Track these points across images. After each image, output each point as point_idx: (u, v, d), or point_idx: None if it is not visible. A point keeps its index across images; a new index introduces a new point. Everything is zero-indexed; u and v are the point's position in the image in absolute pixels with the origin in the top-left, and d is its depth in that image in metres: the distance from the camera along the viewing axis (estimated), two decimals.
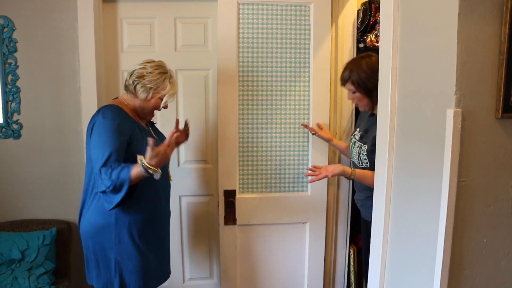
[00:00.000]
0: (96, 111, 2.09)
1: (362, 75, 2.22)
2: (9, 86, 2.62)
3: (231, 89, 2.59)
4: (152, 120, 2.34)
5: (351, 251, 2.86)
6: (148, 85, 2.07)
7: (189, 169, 2.86)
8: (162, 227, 2.30)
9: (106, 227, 2.08)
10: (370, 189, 1.89)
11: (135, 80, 2.08)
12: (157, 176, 1.90)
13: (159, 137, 2.28)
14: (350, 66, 2.29)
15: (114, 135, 1.96)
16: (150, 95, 2.10)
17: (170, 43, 2.74)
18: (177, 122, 2.35)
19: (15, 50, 2.60)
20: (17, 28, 2.59)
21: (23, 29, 2.59)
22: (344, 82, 2.33)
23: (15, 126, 2.66)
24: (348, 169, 2.31)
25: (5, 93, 2.62)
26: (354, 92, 2.29)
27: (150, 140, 1.85)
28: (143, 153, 1.89)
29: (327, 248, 2.85)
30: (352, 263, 2.85)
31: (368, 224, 2.04)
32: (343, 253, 2.88)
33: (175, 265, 2.91)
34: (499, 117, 1.34)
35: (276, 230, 2.77)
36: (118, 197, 1.93)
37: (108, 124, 1.98)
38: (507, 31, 1.30)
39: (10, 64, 2.60)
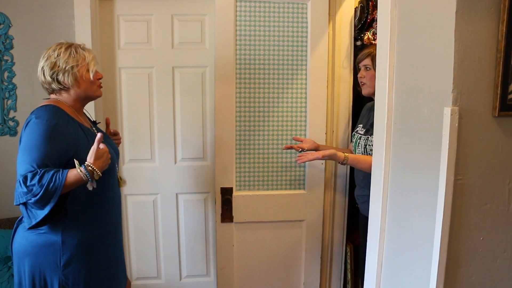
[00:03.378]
0: (31, 112, 1.79)
1: None
2: (5, 83, 2.61)
3: (228, 87, 2.59)
4: (95, 120, 2.13)
5: (348, 249, 2.86)
6: (67, 67, 1.80)
7: (185, 166, 2.85)
8: (115, 242, 2.03)
9: (49, 247, 1.76)
10: None
11: (52, 74, 1.81)
12: (93, 184, 1.65)
13: (105, 138, 2.00)
14: (374, 46, 2.33)
15: (46, 139, 1.66)
16: (77, 74, 1.82)
17: (167, 40, 2.73)
18: (108, 121, 2.16)
19: (11, 47, 2.59)
20: (13, 25, 2.57)
21: (20, 26, 2.58)
22: (362, 59, 2.36)
23: (11, 123, 2.65)
24: (341, 154, 2.26)
25: (1, 90, 2.61)
26: (368, 69, 2.32)
27: (99, 134, 1.64)
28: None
29: (323, 245, 2.85)
30: (348, 260, 2.86)
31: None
32: (339, 251, 2.89)
33: (172, 263, 2.92)
34: (496, 115, 1.34)
35: (273, 228, 2.77)
36: (45, 209, 1.57)
37: (42, 124, 1.68)
38: (504, 29, 1.30)
39: (7, 61, 2.59)
